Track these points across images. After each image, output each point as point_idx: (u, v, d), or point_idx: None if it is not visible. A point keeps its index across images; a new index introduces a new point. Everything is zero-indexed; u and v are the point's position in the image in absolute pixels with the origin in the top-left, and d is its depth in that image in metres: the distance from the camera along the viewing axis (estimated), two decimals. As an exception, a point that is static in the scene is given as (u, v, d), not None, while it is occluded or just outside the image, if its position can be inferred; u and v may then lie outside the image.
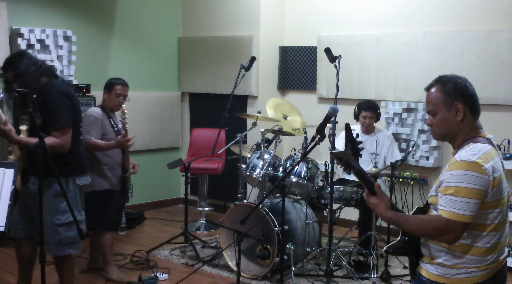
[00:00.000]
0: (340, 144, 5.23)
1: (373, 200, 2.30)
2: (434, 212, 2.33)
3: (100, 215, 4.63)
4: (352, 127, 2.43)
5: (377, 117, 5.25)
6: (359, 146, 2.31)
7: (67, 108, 3.70)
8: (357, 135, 2.42)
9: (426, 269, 2.36)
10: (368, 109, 5.16)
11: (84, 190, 4.58)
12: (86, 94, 5.85)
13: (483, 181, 2.18)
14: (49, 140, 3.51)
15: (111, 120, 4.70)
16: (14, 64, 3.70)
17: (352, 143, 2.27)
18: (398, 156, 5.18)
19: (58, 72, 5.63)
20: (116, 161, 4.68)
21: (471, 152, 2.23)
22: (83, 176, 3.93)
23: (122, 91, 4.68)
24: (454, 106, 2.30)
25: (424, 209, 2.44)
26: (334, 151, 2.34)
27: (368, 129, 5.26)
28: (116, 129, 4.71)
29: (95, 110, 4.65)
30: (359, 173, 2.29)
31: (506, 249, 2.41)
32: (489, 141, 2.32)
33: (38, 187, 3.71)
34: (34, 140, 3.62)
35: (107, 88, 4.71)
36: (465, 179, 2.18)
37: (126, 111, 4.55)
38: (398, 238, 2.46)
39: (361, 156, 2.31)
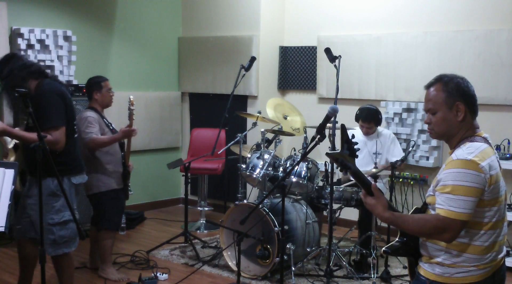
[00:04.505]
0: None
1: (370, 201, 2.30)
2: (432, 212, 2.33)
3: (108, 216, 4.67)
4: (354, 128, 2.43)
5: (377, 124, 5.22)
6: (355, 146, 2.31)
7: (59, 107, 3.69)
8: (353, 136, 2.41)
9: (425, 269, 2.36)
10: (366, 121, 5.15)
11: (90, 191, 4.62)
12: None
13: (480, 179, 2.19)
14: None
15: (105, 120, 4.72)
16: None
17: (348, 143, 2.27)
18: (398, 153, 5.18)
19: (57, 72, 5.74)
20: (117, 158, 4.69)
21: (467, 150, 2.24)
22: (79, 174, 3.92)
23: (109, 85, 4.75)
24: (455, 106, 2.31)
25: (422, 209, 2.44)
26: (330, 152, 2.34)
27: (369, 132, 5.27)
28: (111, 128, 4.73)
29: (89, 112, 4.63)
30: (356, 173, 2.28)
31: (505, 248, 2.41)
32: (485, 140, 2.33)
33: (33, 186, 3.73)
34: (30, 135, 3.61)
35: (96, 88, 4.69)
36: (462, 177, 2.19)
37: (134, 102, 4.59)
38: (397, 239, 2.46)
39: (357, 156, 2.31)
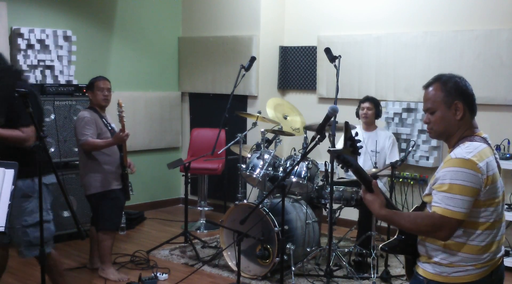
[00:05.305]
0: (340, 145, 5.25)
1: (369, 197, 2.32)
2: (430, 210, 2.33)
3: (107, 216, 4.67)
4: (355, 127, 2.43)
5: (377, 113, 5.32)
6: (358, 144, 2.32)
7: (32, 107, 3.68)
8: (356, 134, 2.42)
9: (423, 268, 2.37)
10: (366, 101, 5.29)
11: (88, 191, 4.62)
12: (86, 94, 5.83)
13: (476, 178, 2.20)
14: (14, 133, 3.48)
15: (104, 120, 4.72)
16: None
17: (351, 141, 2.28)
18: (396, 157, 5.19)
19: (57, 72, 5.74)
20: (115, 158, 4.69)
21: (466, 149, 2.25)
22: (48, 174, 3.76)
23: (103, 84, 4.71)
24: (454, 105, 2.32)
25: (422, 208, 2.44)
26: (332, 149, 2.34)
27: (368, 124, 5.29)
28: (110, 128, 4.73)
29: (86, 112, 4.65)
30: (357, 170, 2.29)
31: (503, 248, 2.41)
32: (484, 140, 2.34)
33: (22, 185, 3.70)
34: (7, 132, 3.56)
35: (89, 88, 4.74)
36: (460, 176, 2.20)
37: (123, 104, 4.56)
38: (395, 237, 2.47)
39: (359, 154, 2.32)
